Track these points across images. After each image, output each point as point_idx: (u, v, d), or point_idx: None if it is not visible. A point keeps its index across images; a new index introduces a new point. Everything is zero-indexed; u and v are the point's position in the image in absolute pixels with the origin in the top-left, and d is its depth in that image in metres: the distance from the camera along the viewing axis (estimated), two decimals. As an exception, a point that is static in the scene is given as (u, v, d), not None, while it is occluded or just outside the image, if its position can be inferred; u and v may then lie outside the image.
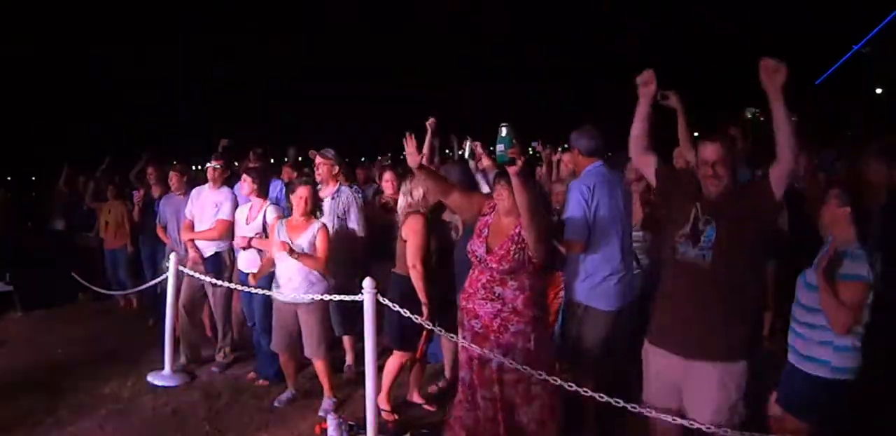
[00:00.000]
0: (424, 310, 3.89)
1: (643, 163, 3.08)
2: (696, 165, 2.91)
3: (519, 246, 3.25)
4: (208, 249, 5.26)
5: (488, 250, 3.31)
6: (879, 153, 3.76)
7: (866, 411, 3.10)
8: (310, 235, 4.29)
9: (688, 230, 2.86)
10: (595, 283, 3.63)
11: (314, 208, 4.41)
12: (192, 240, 5.29)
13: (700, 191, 2.88)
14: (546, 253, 3.29)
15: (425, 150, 4.66)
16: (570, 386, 3.03)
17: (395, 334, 4.11)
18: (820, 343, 2.82)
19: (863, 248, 2.79)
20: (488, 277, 3.33)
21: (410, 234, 4.02)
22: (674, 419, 2.80)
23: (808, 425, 2.87)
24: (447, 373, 4.61)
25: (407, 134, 3.36)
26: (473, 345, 3.27)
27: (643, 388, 3.09)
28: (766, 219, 2.85)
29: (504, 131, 2.91)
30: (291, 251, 4.12)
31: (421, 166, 3.40)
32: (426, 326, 3.62)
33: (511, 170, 2.94)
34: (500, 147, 2.92)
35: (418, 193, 4.06)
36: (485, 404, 3.33)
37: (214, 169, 5.29)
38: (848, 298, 2.71)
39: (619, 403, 2.82)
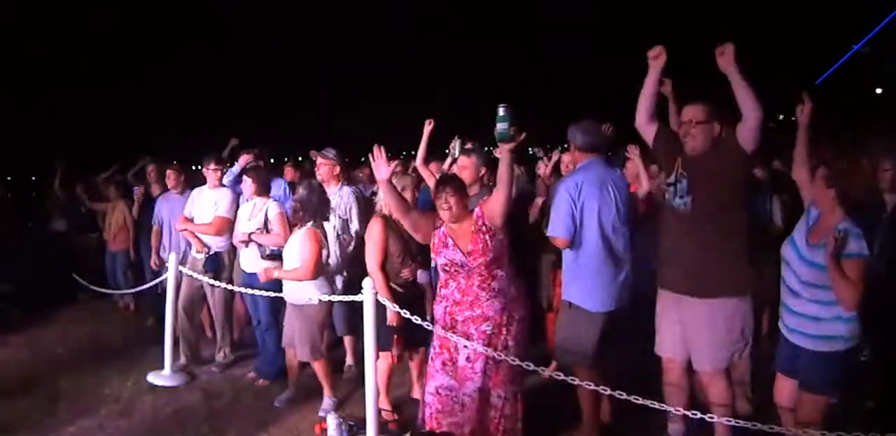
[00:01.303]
0: (389, 315, 3.79)
1: (647, 129, 3.40)
2: (678, 126, 3.31)
3: (489, 234, 3.30)
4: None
5: (465, 253, 3.32)
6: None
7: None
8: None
9: (672, 180, 3.25)
10: (583, 282, 3.54)
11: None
12: (195, 234, 5.28)
13: (683, 148, 3.23)
14: (508, 220, 3.39)
15: (421, 152, 4.68)
16: (573, 380, 3.08)
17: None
18: (834, 319, 2.90)
19: (857, 225, 2.87)
20: (479, 279, 3.34)
21: (368, 239, 3.96)
22: (677, 410, 2.94)
23: (827, 397, 2.95)
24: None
25: (375, 146, 3.41)
26: (488, 348, 3.26)
27: (656, 335, 3.40)
28: (736, 170, 3.15)
29: (502, 111, 3.07)
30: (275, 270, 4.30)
31: (388, 181, 3.45)
32: (425, 326, 3.61)
33: (506, 146, 3.11)
34: (502, 126, 3.08)
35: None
36: (503, 402, 3.37)
37: (215, 170, 5.29)
38: (853, 275, 2.81)
39: (622, 395, 2.85)
